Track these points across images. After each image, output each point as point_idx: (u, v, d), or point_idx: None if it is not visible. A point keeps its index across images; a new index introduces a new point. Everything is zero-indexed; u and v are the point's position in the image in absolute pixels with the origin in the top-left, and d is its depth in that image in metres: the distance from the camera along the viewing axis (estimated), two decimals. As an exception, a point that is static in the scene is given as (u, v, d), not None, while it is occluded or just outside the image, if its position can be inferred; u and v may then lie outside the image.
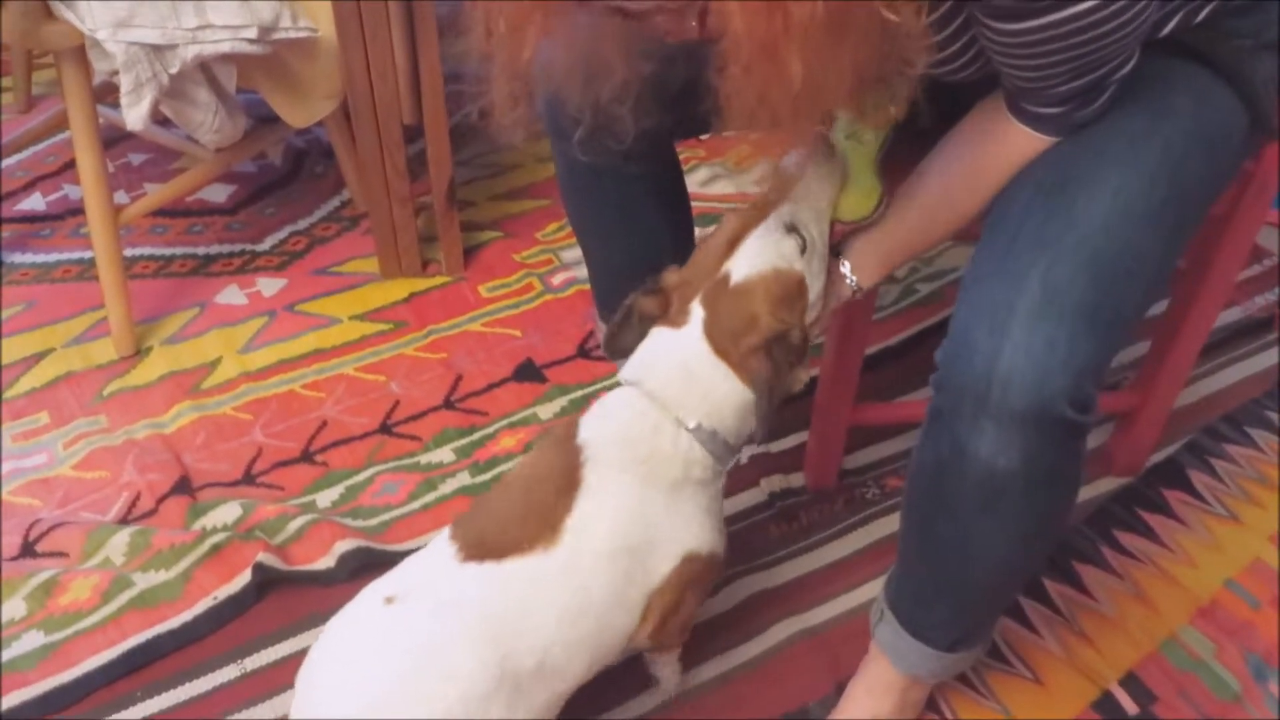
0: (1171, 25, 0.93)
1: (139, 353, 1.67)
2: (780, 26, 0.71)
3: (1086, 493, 1.44)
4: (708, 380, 0.98)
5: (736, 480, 1.47)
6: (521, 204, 1.99)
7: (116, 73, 1.41)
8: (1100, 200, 0.88)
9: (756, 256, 0.97)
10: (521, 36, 0.82)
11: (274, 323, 1.73)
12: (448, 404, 1.59)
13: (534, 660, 0.93)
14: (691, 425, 0.98)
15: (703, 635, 1.24)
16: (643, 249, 1.25)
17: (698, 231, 1.84)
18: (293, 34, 1.51)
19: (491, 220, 1.95)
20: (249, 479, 1.47)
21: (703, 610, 1.22)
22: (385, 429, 1.55)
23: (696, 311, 0.98)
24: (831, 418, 1.38)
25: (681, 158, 1.28)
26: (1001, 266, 0.88)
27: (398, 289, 1.80)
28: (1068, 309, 0.85)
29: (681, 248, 1.30)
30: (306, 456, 1.51)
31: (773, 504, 1.44)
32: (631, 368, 1.01)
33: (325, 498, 1.45)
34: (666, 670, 1.19)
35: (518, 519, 0.97)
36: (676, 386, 0.98)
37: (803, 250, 0.97)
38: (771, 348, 0.96)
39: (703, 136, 1.57)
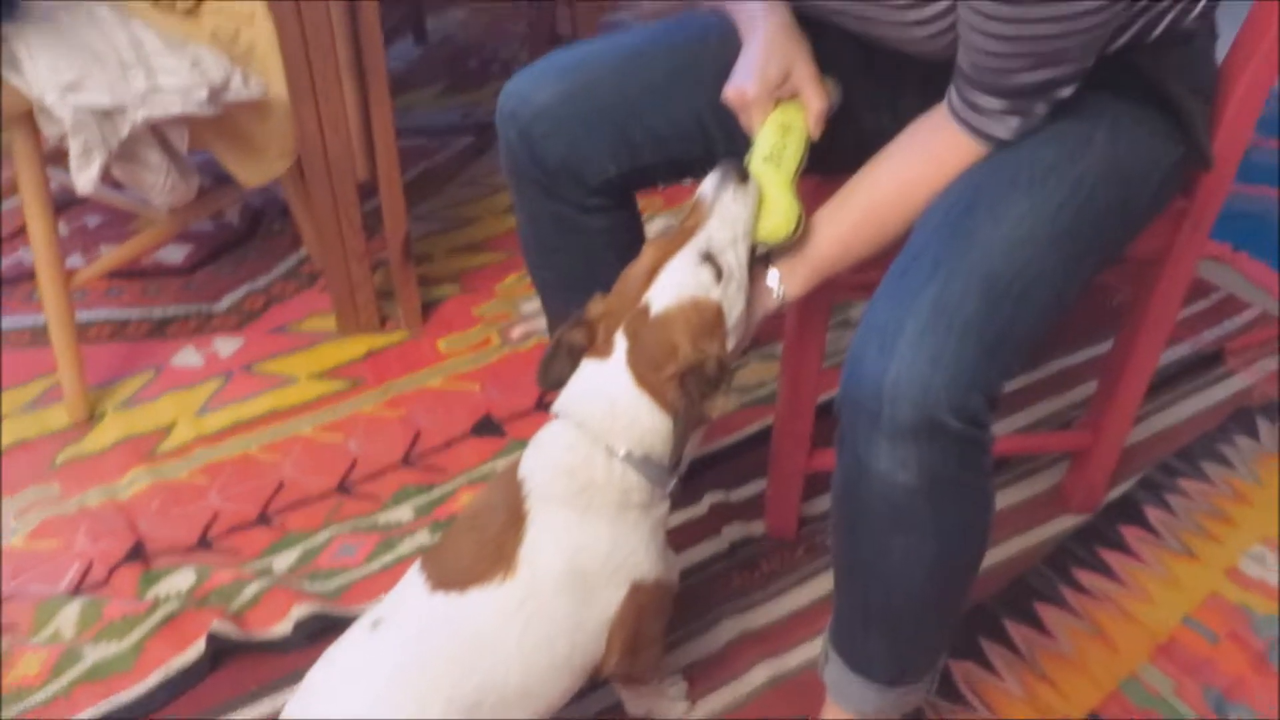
0: (1129, 34, 0.97)
1: (93, 418, 1.66)
2: None
3: (1044, 531, 1.45)
4: (631, 410, 0.98)
5: (697, 530, 1.47)
6: (480, 257, 2.00)
7: (65, 136, 1.41)
8: (1002, 225, 0.90)
9: (673, 286, 0.98)
10: None
11: (230, 384, 1.72)
12: (406, 461, 1.58)
13: (504, 686, 0.97)
14: (622, 453, 0.99)
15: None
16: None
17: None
18: (244, 95, 1.52)
19: (450, 274, 1.95)
20: (204, 544, 1.45)
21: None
22: (343, 489, 1.54)
23: (620, 342, 0.99)
24: (788, 466, 1.38)
25: (640, 207, 1.30)
26: (898, 287, 0.90)
27: (355, 346, 1.79)
28: (955, 324, 0.86)
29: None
30: (263, 519, 1.49)
31: (734, 553, 1.43)
32: (562, 400, 1.03)
33: (282, 561, 1.43)
34: (642, 706, 1.20)
35: (474, 552, 0.99)
36: (602, 417, 0.99)
37: (719, 277, 0.98)
38: (686, 377, 0.96)
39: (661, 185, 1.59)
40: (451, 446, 1.61)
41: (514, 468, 1.03)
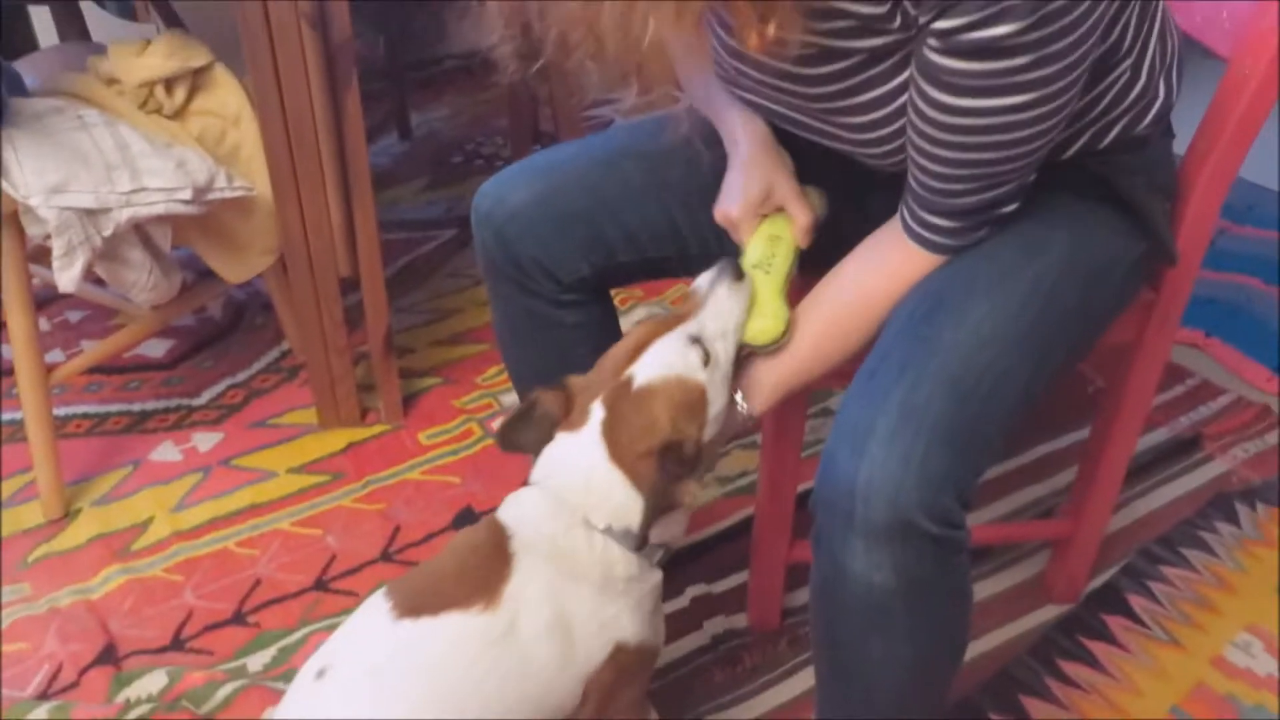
0: (1077, 146, 0.99)
1: (68, 515, 1.64)
2: None
3: (1027, 622, 1.44)
4: (604, 484, 0.97)
5: (679, 623, 1.45)
6: (462, 349, 2.00)
7: (50, 236, 1.42)
8: (965, 328, 0.92)
9: (660, 362, 0.98)
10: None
11: (209, 479, 1.71)
12: (385, 556, 1.57)
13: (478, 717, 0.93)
14: (601, 527, 0.98)
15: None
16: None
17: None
18: (228, 193, 1.54)
19: (431, 366, 1.96)
20: (178, 644, 1.43)
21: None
22: (320, 585, 1.52)
23: (596, 412, 0.98)
24: (769, 557, 1.37)
25: (618, 298, 1.31)
26: (866, 389, 0.91)
27: (336, 439, 1.79)
28: (925, 425, 0.87)
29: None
30: (238, 618, 1.47)
31: (716, 646, 1.42)
32: (538, 469, 1.02)
33: (257, 660, 1.40)
34: None
35: (453, 579, 0.97)
36: (577, 490, 0.98)
37: (706, 362, 0.98)
38: (665, 455, 0.96)
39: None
40: (432, 540, 1.59)
41: (490, 520, 1.01)
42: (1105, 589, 1.48)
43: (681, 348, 0.98)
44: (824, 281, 1.03)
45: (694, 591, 1.48)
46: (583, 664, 1.00)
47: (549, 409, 1.02)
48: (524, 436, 1.02)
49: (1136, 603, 1.46)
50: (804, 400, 1.25)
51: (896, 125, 0.92)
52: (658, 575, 1.05)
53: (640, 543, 0.99)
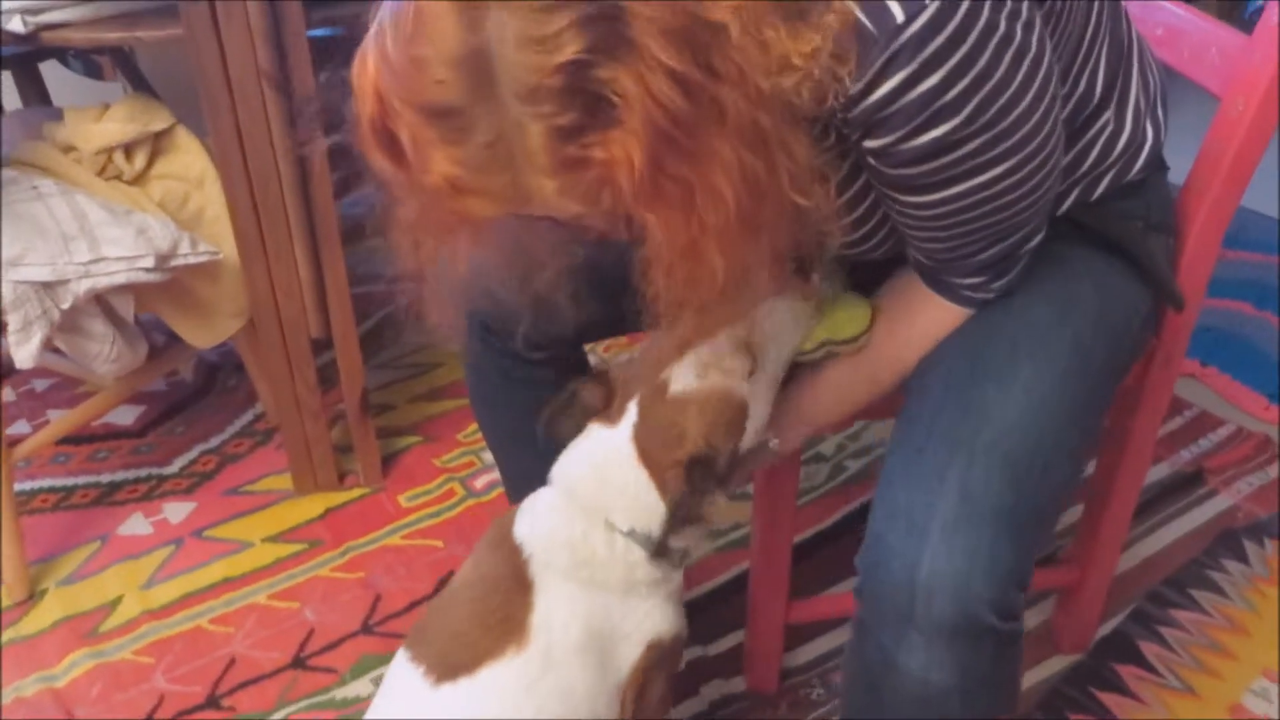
0: (1069, 202, 0.95)
1: (33, 596, 1.57)
2: (698, 230, 0.70)
3: (1036, 674, 1.38)
4: (630, 486, 0.93)
5: (674, 689, 1.38)
6: (441, 404, 1.95)
7: (4, 311, 1.37)
8: (1012, 396, 0.87)
9: (700, 369, 0.92)
10: (452, 245, 0.79)
11: (180, 552, 1.64)
12: (366, 629, 1.50)
13: None
14: (625, 529, 0.93)
15: None
16: (556, 456, 1.21)
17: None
18: (193, 259, 1.49)
19: (411, 424, 1.90)
20: (148, 733, 1.36)
21: None
22: (298, 662, 1.45)
23: (630, 414, 0.94)
24: (767, 616, 1.32)
25: (604, 345, 1.26)
26: (916, 469, 0.86)
27: (313, 505, 1.72)
28: (986, 513, 0.82)
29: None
30: (212, 701, 1.40)
31: (714, 713, 1.36)
32: (560, 465, 0.98)
33: (232, 748, 1.34)
34: None
35: (479, 627, 0.92)
36: (595, 490, 0.94)
37: (752, 372, 0.93)
38: (694, 468, 0.91)
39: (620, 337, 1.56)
40: (414, 609, 1.53)
41: (505, 533, 0.97)
42: (1114, 636, 1.43)
43: (728, 352, 0.92)
44: None
45: (689, 655, 1.42)
46: (621, 670, 0.96)
47: (590, 399, 0.98)
48: (565, 427, 0.99)
49: (1149, 650, 1.41)
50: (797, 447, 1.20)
51: (874, 221, 0.88)
52: (679, 576, 1.01)
53: (660, 549, 0.94)
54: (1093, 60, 0.89)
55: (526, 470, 1.25)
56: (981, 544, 0.81)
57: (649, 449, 0.93)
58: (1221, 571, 1.52)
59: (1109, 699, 1.35)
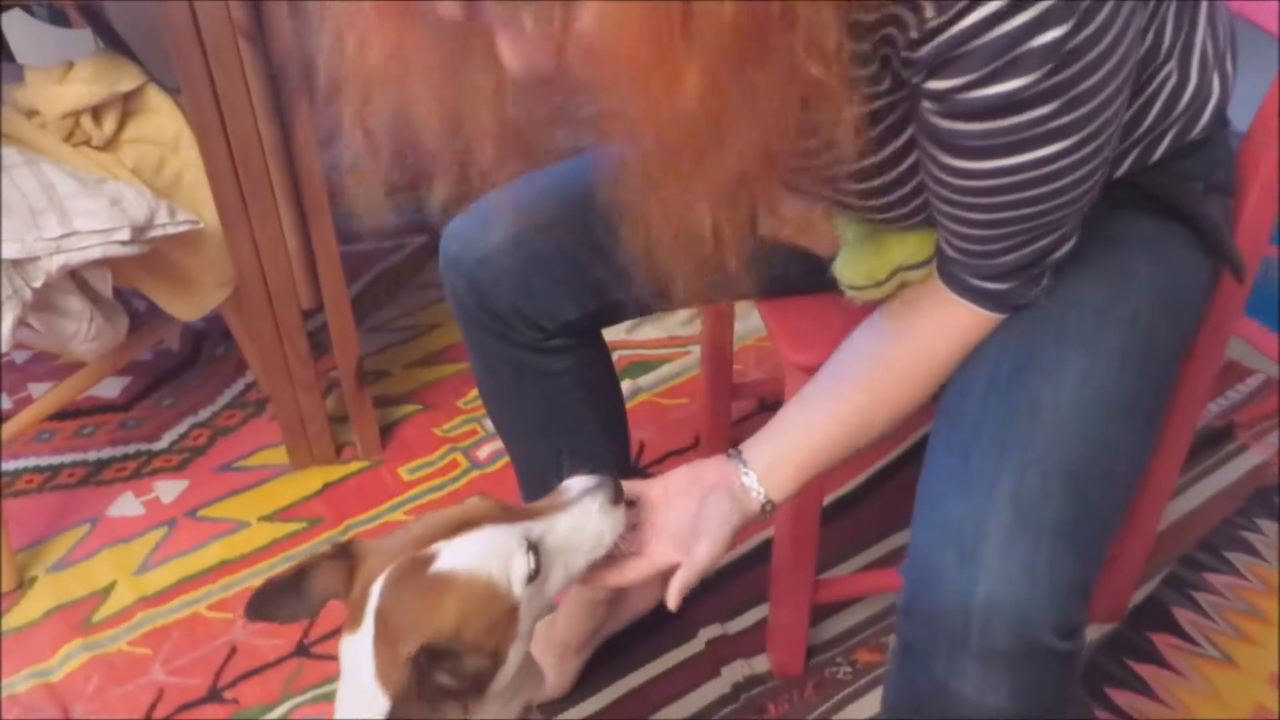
0: (1126, 165, 0.87)
1: (21, 585, 1.50)
2: (678, 26, 0.56)
3: (1071, 648, 1.33)
4: (359, 668, 0.78)
5: (695, 671, 1.34)
6: (440, 369, 1.87)
7: (-27, 291, 1.28)
8: (1066, 391, 0.79)
9: (479, 554, 0.77)
10: (368, 60, 0.68)
11: (174, 534, 1.58)
12: (371, 612, 1.44)
13: None
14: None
15: None
16: (571, 445, 1.14)
17: (626, 385, 1.75)
18: (171, 229, 1.40)
19: (409, 391, 1.82)
20: (149, 729, 1.31)
21: None
22: (302, 650, 1.40)
23: (374, 595, 0.77)
24: (792, 591, 1.26)
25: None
26: (964, 477, 0.78)
27: (310, 480, 1.66)
28: (1045, 528, 0.75)
29: (612, 439, 1.20)
30: (214, 695, 1.35)
31: (737, 696, 1.31)
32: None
33: (237, 744, 1.29)
34: None
35: None
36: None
37: (532, 578, 0.78)
38: (432, 660, 0.73)
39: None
40: (420, 589, 1.47)
41: None
42: (1148, 603, 1.38)
43: (513, 549, 0.77)
44: (854, 336, 0.89)
45: (708, 634, 1.37)
46: None
47: (326, 578, 0.81)
48: (279, 608, 0.81)
49: (1184, 617, 1.36)
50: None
51: (910, 186, 0.79)
52: None
53: None
54: (1164, 8, 0.80)
55: (540, 463, 1.18)
56: (1040, 561, 0.74)
57: (387, 628, 0.76)
58: (1256, 532, 1.47)
59: (1146, 671, 1.31)
